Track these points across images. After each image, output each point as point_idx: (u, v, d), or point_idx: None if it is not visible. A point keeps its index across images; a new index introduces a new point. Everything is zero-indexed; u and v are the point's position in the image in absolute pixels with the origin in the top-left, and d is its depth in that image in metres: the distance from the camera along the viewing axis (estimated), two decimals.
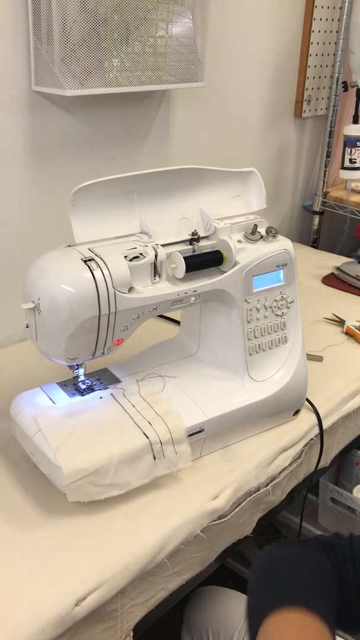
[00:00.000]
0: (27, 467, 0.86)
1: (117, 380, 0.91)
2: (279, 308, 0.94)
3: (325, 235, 1.95)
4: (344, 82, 1.71)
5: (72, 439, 0.79)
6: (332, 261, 1.63)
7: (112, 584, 0.70)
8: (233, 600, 1.01)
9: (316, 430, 0.99)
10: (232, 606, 1.00)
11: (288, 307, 0.95)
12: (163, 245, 0.82)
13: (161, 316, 1.27)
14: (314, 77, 1.72)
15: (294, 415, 1.00)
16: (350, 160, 1.59)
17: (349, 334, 1.26)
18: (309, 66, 1.69)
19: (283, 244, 0.92)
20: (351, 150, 1.58)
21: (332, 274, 1.56)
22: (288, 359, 0.96)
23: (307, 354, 0.98)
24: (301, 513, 1.10)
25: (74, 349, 0.78)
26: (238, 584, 1.11)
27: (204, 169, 0.87)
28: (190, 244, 0.86)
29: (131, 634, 0.76)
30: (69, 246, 0.79)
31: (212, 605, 1.01)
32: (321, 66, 1.73)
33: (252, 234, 0.90)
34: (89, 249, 0.78)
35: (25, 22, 1.04)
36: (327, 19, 1.67)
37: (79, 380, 0.89)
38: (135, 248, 0.80)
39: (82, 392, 0.88)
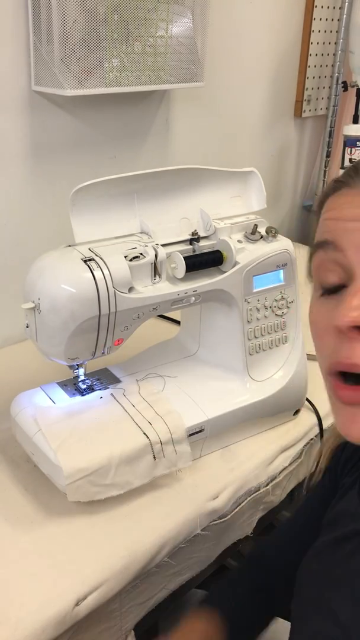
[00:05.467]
0: (27, 467, 0.86)
1: (117, 380, 0.91)
2: (279, 308, 0.94)
3: None
4: (344, 82, 1.71)
5: (72, 438, 0.79)
6: None
7: (113, 583, 0.70)
8: None
9: (316, 430, 0.99)
10: None
11: (288, 307, 0.95)
12: (163, 245, 0.82)
13: (161, 316, 1.27)
14: (313, 77, 1.72)
15: (294, 415, 1.00)
16: (350, 160, 1.59)
17: None
18: (308, 66, 1.69)
19: (283, 244, 0.92)
20: (351, 150, 1.58)
21: None
22: (288, 359, 0.96)
23: (307, 354, 0.98)
24: None
25: (74, 348, 0.78)
26: None
27: (204, 168, 0.87)
28: (191, 243, 0.86)
29: (132, 633, 0.76)
30: (69, 246, 0.79)
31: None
32: (321, 66, 1.73)
33: (252, 234, 0.90)
34: (89, 249, 0.78)
35: (25, 22, 1.04)
36: (327, 19, 1.67)
37: (79, 380, 0.89)
38: (136, 248, 0.80)
39: (82, 392, 0.88)
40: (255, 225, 0.91)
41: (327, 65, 1.75)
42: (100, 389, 0.89)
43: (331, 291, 0.46)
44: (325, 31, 1.69)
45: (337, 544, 0.56)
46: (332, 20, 1.69)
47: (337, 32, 1.66)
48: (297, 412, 1.00)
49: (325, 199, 0.51)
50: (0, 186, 1.11)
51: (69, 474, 0.75)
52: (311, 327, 0.49)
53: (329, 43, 1.71)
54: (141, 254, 0.80)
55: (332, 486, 0.67)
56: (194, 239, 0.86)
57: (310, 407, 1.01)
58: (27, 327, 0.79)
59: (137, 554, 0.73)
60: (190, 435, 0.85)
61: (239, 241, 0.89)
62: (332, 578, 0.54)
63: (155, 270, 0.81)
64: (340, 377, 0.44)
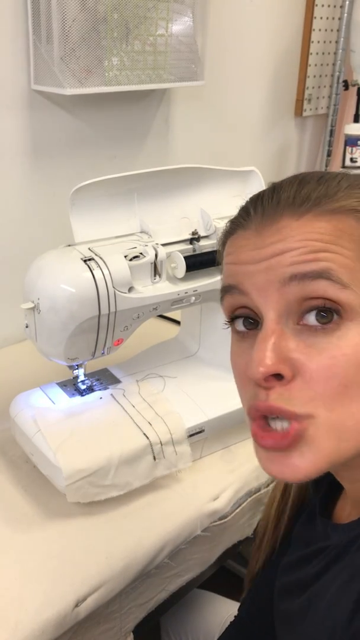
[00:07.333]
0: (26, 467, 0.85)
1: (117, 381, 0.91)
2: None
3: None
4: (345, 81, 1.71)
5: (72, 439, 0.78)
6: None
7: (112, 584, 0.70)
8: (213, 603, 0.98)
9: None
10: (212, 609, 0.96)
11: None
12: (163, 245, 0.81)
13: (161, 316, 1.26)
14: (314, 76, 1.72)
15: None
16: (351, 160, 1.59)
17: None
18: (309, 65, 1.68)
19: None
20: (352, 150, 1.58)
21: None
22: None
23: None
24: None
25: (73, 349, 0.77)
26: (238, 586, 1.11)
27: (204, 168, 0.87)
28: (191, 243, 0.85)
29: (131, 635, 0.76)
30: (69, 246, 0.79)
31: (190, 608, 0.97)
32: (322, 65, 1.73)
33: None
34: (89, 249, 0.77)
35: (25, 21, 1.03)
36: (327, 18, 1.67)
37: (79, 380, 0.88)
38: (135, 247, 0.80)
39: (81, 393, 0.88)
40: None
41: (327, 64, 1.74)
42: (100, 390, 0.88)
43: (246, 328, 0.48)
44: (325, 30, 1.68)
45: (302, 562, 0.56)
46: (333, 18, 1.68)
47: (337, 30, 1.66)
48: None
49: (225, 239, 0.52)
50: (0, 185, 1.10)
51: (69, 475, 0.74)
52: (233, 371, 0.50)
53: (330, 42, 1.71)
54: (141, 253, 0.79)
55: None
56: (194, 238, 0.85)
57: None
58: (27, 327, 0.79)
59: (137, 555, 0.73)
60: (191, 435, 0.84)
61: None
62: (295, 592, 0.54)
63: (155, 270, 0.81)
64: (260, 421, 0.45)
